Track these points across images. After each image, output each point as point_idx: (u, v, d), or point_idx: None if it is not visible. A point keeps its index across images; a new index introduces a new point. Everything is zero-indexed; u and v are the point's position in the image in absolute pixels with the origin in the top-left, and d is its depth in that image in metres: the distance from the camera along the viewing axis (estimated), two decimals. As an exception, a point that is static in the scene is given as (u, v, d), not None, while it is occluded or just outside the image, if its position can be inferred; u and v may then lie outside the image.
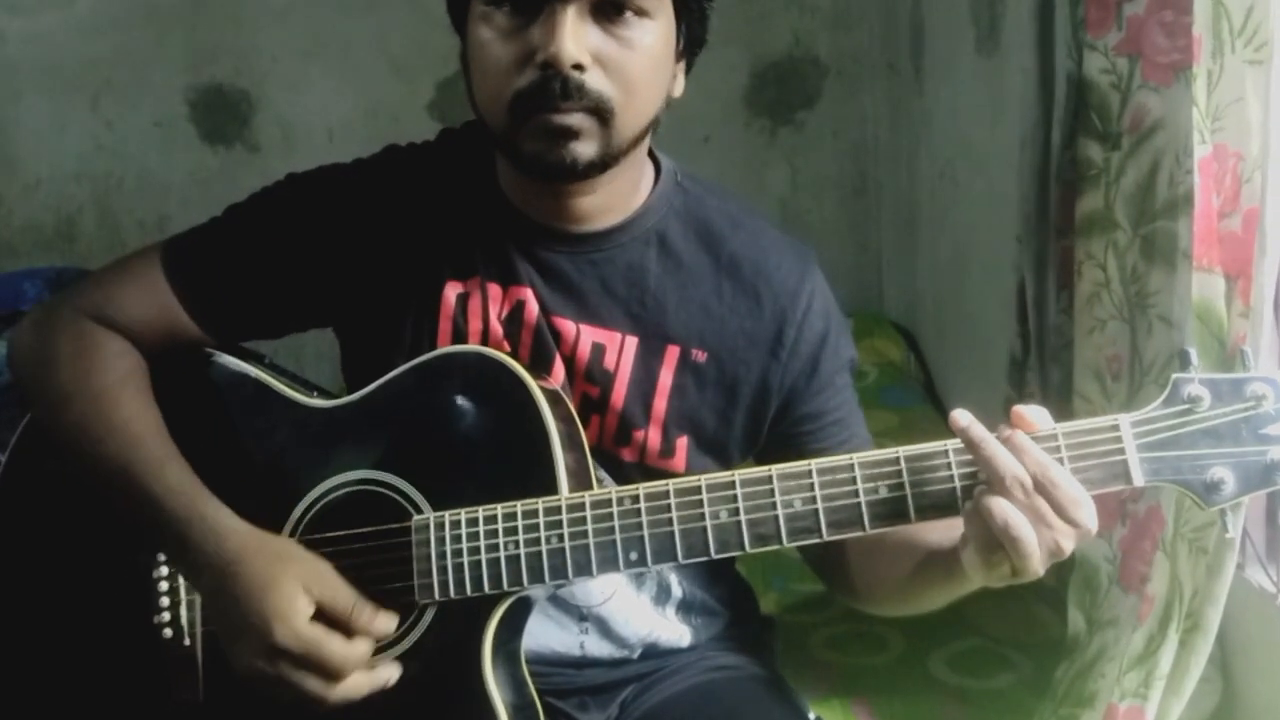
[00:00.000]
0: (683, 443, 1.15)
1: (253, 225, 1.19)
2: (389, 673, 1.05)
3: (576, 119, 1.04)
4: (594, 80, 1.03)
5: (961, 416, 0.94)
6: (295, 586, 1.03)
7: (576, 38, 1.01)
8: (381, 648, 1.07)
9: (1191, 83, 1.35)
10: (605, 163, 1.07)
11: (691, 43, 1.12)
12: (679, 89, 1.13)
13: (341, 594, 1.04)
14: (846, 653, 1.97)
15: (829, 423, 1.18)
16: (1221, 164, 1.36)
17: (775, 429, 1.18)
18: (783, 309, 1.16)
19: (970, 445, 0.93)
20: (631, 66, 1.05)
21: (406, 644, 1.06)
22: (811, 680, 1.87)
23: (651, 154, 1.19)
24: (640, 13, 1.04)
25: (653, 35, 1.05)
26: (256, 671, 1.03)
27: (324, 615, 1.04)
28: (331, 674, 1.02)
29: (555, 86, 1.02)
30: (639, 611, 1.22)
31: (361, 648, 1.04)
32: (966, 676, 1.88)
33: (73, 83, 3.38)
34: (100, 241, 3.46)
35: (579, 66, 1.02)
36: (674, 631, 1.24)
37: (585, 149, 1.05)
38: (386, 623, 1.05)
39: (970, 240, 2.61)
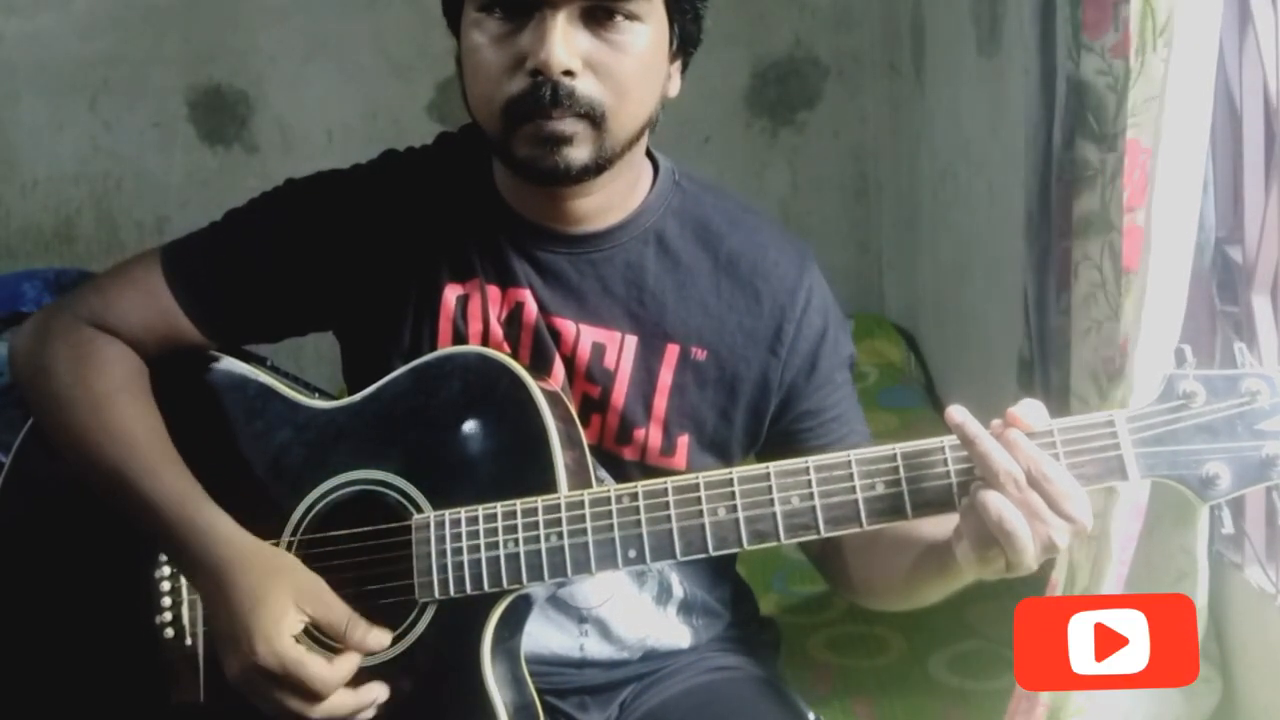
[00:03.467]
0: (684, 441, 1.15)
1: (252, 230, 1.19)
2: (374, 693, 1.05)
3: (568, 125, 1.04)
4: (585, 86, 1.03)
5: (957, 412, 0.95)
6: (284, 603, 1.04)
7: (566, 44, 1.02)
8: (381, 647, 1.07)
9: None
10: (599, 166, 1.07)
11: (685, 43, 1.12)
12: (675, 89, 1.14)
13: (335, 610, 1.05)
14: (846, 654, 1.98)
15: (828, 419, 1.18)
16: (1133, 159, 1.37)
17: (775, 426, 1.18)
18: (781, 306, 1.16)
19: (965, 441, 0.94)
20: (623, 71, 1.05)
21: (406, 642, 1.06)
22: (811, 681, 1.88)
23: (649, 153, 1.19)
24: (631, 16, 1.04)
25: (644, 38, 1.06)
26: (237, 680, 1.05)
27: (316, 630, 1.05)
28: (310, 695, 1.03)
29: (546, 93, 1.02)
30: (639, 612, 1.22)
31: (344, 668, 1.04)
32: (966, 678, 1.88)
33: (71, 83, 3.39)
34: (99, 242, 3.46)
35: (569, 73, 1.02)
36: (674, 632, 1.24)
37: (578, 154, 1.05)
38: (379, 639, 1.05)
39: (971, 241, 2.61)
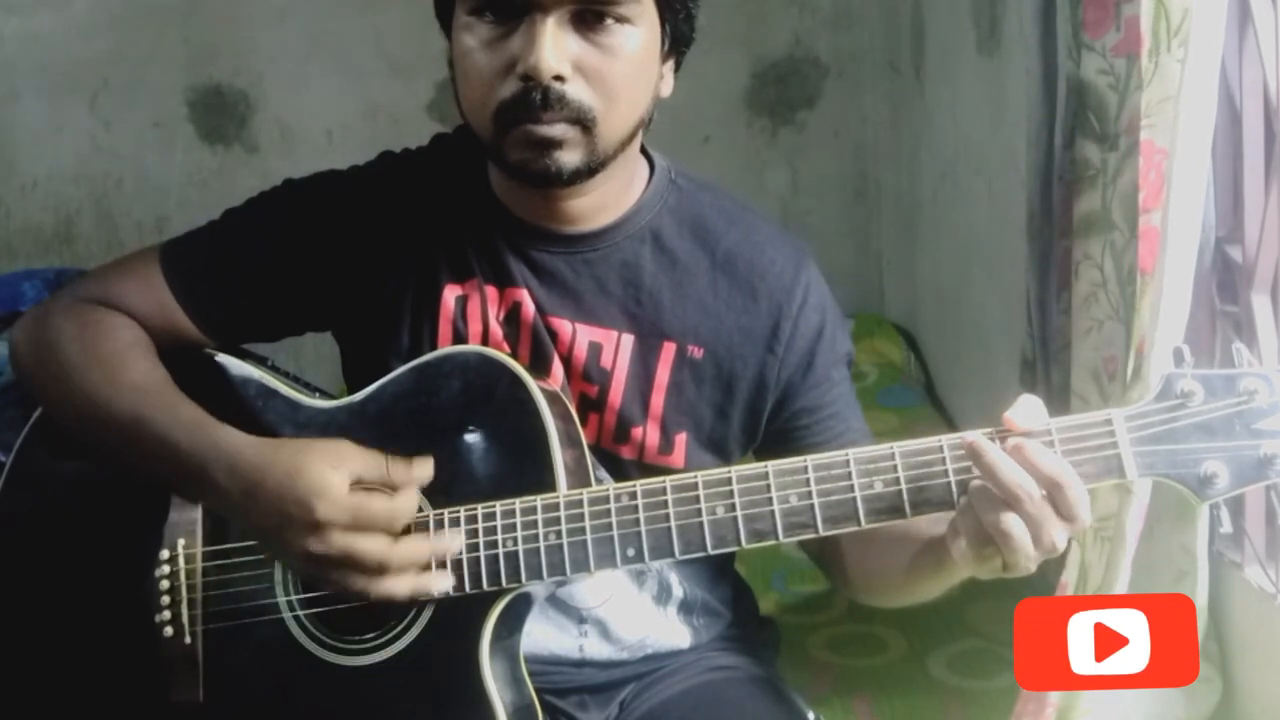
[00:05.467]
0: (681, 439, 1.15)
1: (250, 229, 1.20)
2: (453, 540, 1.02)
3: (559, 129, 1.04)
4: (575, 90, 1.03)
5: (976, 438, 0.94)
6: (323, 466, 1.02)
7: (556, 48, 1.02)
8: (381, 644, 1.07)
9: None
10: (592, 169, 1.07)
11: (678, 42, 1.12)
12: (668, 89, 1.14)
13: (370, 458, 1.04)
14: (846, 653, 1.98)
15: (826, 416, 1.18)
16: (1148, 160, 1.37)
17: (772, 423, 1.18)
18: (778, 304, 1.16)
19: (983, 470, 0.93)
20: (613, 74, 1.05)
21: (406, 641, 1.06)
22: (811, 680, 1.88)
23: (645, 152, 1.19)
24: (621, 19, 1.04)
25: (635, 41, 1.06)
26: (311, 557, 1.01)
27: (361, 486, 1.03)
28: (386, 531, 1.01)
29: (536, 98, 1.02)
30: (639, 612, 1.22)
31: (406, 500, 1.02)
32: (966, 677, 1.89)
33: (70, 83, 3.38)
34: (98, 242, 3.46)
35: (559, 77, 1.02)
36: (674, 633, 1.24)
37: (569, 158, 1.05)
38: (424, 467, 1.04)
39: (971, 241, 2.61)
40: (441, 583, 1.02)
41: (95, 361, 1.13)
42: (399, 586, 1.01)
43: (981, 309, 2.55)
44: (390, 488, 1.03)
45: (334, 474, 1.01)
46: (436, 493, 1.07)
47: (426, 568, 1.02)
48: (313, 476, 1.01)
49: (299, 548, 1.01)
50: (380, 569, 1.01)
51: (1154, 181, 1.37)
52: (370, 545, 1.00)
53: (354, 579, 1.01)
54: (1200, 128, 1.30)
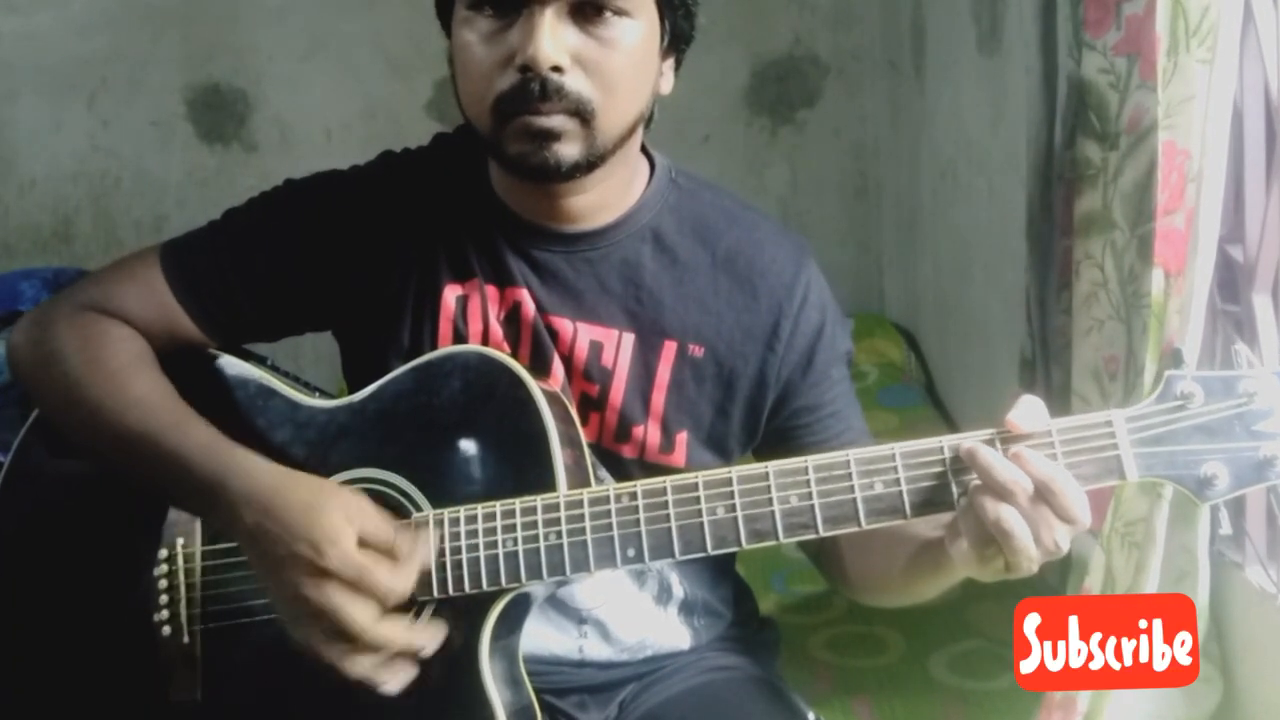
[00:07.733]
0: (682, 438, 1.15)
1: (251, 229, 1.19)
2: (429, 634, 1.02)
3: (557, 120, 1.04)
4: (573, 81, 1.04)
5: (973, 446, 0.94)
6: (340, 514, 1.00)
7: (554, 39, 1.02)
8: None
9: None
10: (590, 163, 1.07)
11: (677, 39, 1.12)
12: (667, 86, 1.14)
13: (383, 524, 1.02)
14: (846, 654, 1.98)
15: (825, 415, 1.18)
16: (1169, 161, 1.37)
17: (772, 422, 1.18)
18: (778, 302, 1.16)
19: (979, 470, 0.93)
20: (612, 67, 1.05)
21: (405, 641, 1.06)
22: (811, 681, 1.88)
23: (646, 151, 1.19)
24: (620, 12, 1.04)
25: (634, 35, 1.06)
26: (300, 599, 1.00)
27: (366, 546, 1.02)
28: (378, 600, 0.99)
29: (534, 88, 1.03)
30: (639, 612, 1.21)
31: (405, 578, 1.01)
32: (966, 677, 1.89)
33: (69, 82, 3.38)
34: (97, 241, 3.46)
35: (557, 68, 1.02)
36: (674, 633, 1.24)
37: (568, 150, 1.05)
38: (426, 551, 1.02)
39: (971, 240, 2.61)
40: (395, 683, 1.01)
41: (101, 375, 1.12)
42: (359, 665, 1.00)
43: (981, 308, 2.55)
44: (391, 557, 1.01)
45: (349, 526, 1.00)
46: (436, 493, 1.07)
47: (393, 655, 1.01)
48: (329, 522, 1.00)
49: (293, 587, 1.00)
50: (354, 638, 0.99)
51: (1175, 183, 1.36)
52: (358, 612, 0.98)
53: (325, 637, 1.00)
54: (1222, 129, 1.30)
